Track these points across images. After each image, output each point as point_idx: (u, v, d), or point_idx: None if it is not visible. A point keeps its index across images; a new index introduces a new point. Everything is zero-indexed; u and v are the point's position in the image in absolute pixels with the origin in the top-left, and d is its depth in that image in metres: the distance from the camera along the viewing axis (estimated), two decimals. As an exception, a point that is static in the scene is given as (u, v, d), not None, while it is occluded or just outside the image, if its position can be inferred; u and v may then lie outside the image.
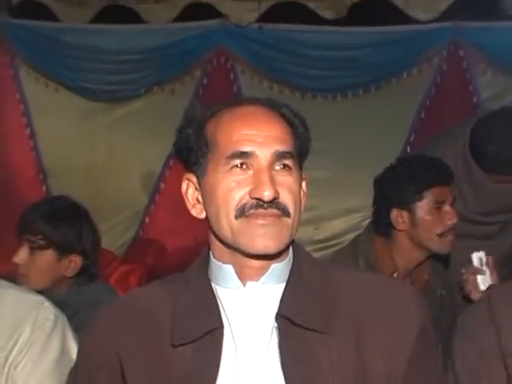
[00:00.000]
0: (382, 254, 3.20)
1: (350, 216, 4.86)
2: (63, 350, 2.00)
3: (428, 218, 3.13)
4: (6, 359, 1.93)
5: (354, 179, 4.57)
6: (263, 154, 1.76)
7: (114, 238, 5.02)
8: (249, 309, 1.79)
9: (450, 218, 3.12)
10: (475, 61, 4.85)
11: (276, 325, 1.77)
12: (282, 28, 5.10)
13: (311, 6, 4.98)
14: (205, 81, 5.15)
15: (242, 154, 1.76)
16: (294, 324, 1.76)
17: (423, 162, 3.31)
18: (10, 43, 5.21)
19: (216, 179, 1.78)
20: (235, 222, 1.76)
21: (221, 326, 1.78)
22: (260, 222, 1.74)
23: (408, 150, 4.89)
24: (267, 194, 1.72)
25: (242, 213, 1.74)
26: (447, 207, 3.14)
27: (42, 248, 3.08)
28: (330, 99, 5.01)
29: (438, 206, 3.13)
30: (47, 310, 2.01)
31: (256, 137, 1.77)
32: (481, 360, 1.93)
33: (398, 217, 3.14)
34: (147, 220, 5.26)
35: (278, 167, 1.77)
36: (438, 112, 4.92)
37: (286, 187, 1.76)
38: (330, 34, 5.07)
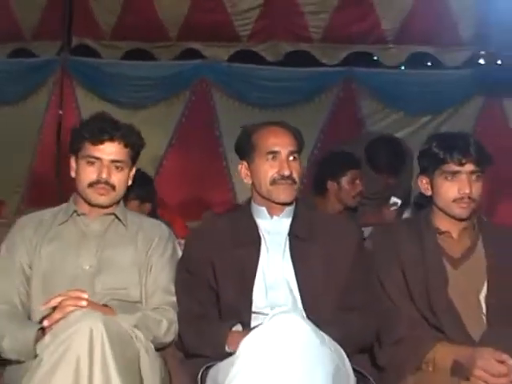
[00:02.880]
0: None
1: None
2: (174, 250, 2.26)
3: (347, 187, 3.45)
4: (147, 254, 2.19)
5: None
6: (284, 151, 2.13)
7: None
8: (274, 230, 2.15)
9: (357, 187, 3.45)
10: (361, 91, 5.12)
11: (288, 238, 2.14)
12: (242, 66, 5.26)
13: (262, 53, 5.18)
14: (193, 98, 5.28)
15: (273, 152, 2.13)
16: (297, 237, 2.13)
17: (338, 155, 3.53)
18: (70, 72, 5.30)
19: (259, 165, 2.15)
20: (270, 187, 2.13)
21: (259, 239, 2.14)
22: (282, 187, 2.12)
23: (315, 151, 5.02)
24: (286, 173, 2.10)
25: (273, 182, 2.12)
26: (357, 181, 3.46)
27: None
28: (277, 111, 5.07)
29: (352, 181, 3.45)
30: (165, 229, 2.29)
31: (280, 142, 2.14)
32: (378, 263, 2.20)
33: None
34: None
35: (291, 158, 2.14)
36: (337, 122, 5.15)
37: (295, 169, 2.14)
38: (271, 70, 5.24)
